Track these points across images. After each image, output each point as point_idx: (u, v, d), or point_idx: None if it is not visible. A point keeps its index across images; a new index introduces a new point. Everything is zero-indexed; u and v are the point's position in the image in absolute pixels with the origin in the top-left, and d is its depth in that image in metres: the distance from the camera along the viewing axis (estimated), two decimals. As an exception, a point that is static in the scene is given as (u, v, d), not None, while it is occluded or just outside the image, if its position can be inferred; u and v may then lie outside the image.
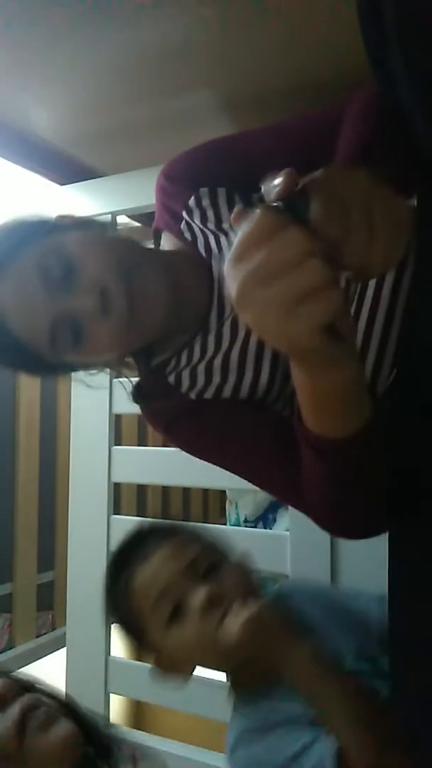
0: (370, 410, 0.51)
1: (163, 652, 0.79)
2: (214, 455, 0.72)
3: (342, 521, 0.63)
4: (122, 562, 0.83)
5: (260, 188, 0.42)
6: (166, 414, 0.72)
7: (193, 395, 0.71)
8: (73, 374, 0.78)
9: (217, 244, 0.71)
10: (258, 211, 0.39)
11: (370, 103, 0.63)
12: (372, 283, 0.61)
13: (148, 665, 0.83)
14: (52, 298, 0.62)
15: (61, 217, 0.71)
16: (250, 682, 0.78)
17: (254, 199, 0.41)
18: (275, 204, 0.40)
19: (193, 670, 0.81)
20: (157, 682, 0.81)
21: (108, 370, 0.79)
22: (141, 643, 0.81)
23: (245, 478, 0.71)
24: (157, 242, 0.78)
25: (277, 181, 0.40)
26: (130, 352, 0.71)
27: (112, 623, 0.85)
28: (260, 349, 0.67)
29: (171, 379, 0.72)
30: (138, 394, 0.76)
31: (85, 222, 0.72)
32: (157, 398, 0.74)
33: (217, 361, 0.69)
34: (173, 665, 0.80)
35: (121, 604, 0.82)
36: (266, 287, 0.38)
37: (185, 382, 0.71)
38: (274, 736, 0.70)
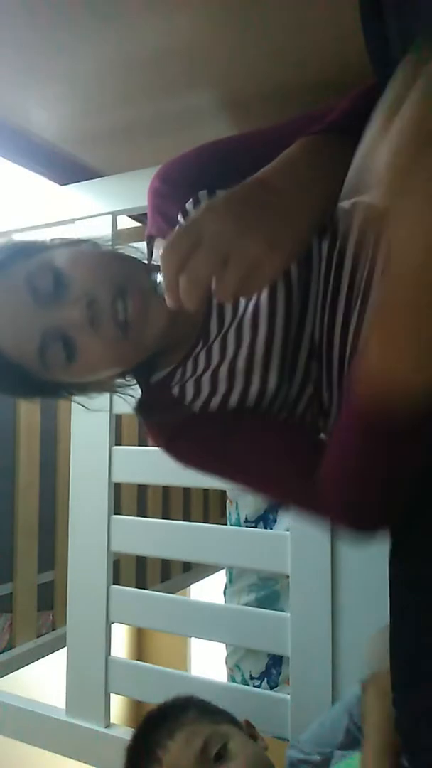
0: None
1: None
2: (217, 468, 0.71)
3: (354, 514, 0.58)
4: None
5: None
6: (167, 428, 0.71)
7: (196, 407, 0.69)
8: (73, 399, 0.76)
9: None
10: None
11: (371, 87, 0.61)
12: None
13: (148, 665, 0.83)
14: (42, 312, 0.61)
15: (53, 240, 0.71)
16: None
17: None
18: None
19: None
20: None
21: (107, 390, 0.77)
22: None
23: (249, 487, 0.71)
24: (151, 249, 0.77)
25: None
26: (128, 367, 0.70)
27: None
28: (268, 354, 0.65)
29: (175, 390, 0.70)
30: (141, 408, 0.75)
31: (76, 241, 0.71)
32: (159, 412, 0.72)
33: (223, 369, 0.68)
34: None
35: None
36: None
37: (189, 393, 0.69)
38: None
